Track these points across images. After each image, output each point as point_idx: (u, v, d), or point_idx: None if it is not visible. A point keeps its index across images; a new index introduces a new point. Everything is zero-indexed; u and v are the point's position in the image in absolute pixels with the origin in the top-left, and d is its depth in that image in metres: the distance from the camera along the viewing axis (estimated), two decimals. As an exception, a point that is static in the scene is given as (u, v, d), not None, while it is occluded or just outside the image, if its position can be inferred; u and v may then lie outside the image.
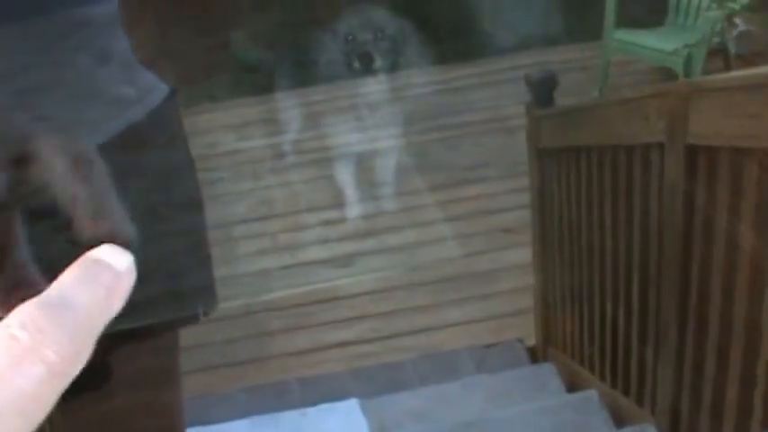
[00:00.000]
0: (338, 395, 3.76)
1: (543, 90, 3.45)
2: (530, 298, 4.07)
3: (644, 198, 2.56)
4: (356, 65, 2.48)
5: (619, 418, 3.09)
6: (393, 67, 3.03)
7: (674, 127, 2.28)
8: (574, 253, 3.32)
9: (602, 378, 3.23)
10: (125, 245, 0.48)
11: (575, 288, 3.39)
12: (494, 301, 4.51)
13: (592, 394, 3.26)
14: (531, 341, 4.15)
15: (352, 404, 3.64)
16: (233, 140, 5.62)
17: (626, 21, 5.75)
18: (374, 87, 3.80)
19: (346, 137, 4.75)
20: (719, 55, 5.49)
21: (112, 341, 1.25)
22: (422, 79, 4.57)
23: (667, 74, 5.54)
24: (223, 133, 5.60)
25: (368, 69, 2.60)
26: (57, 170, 0.52)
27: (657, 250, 2.50)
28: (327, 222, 4.98)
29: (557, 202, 3.44)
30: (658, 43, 5.54)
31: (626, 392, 3.01)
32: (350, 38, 2.54)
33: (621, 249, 2.79)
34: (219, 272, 1.45)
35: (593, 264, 3.12)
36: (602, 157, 2.86)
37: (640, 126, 2.50)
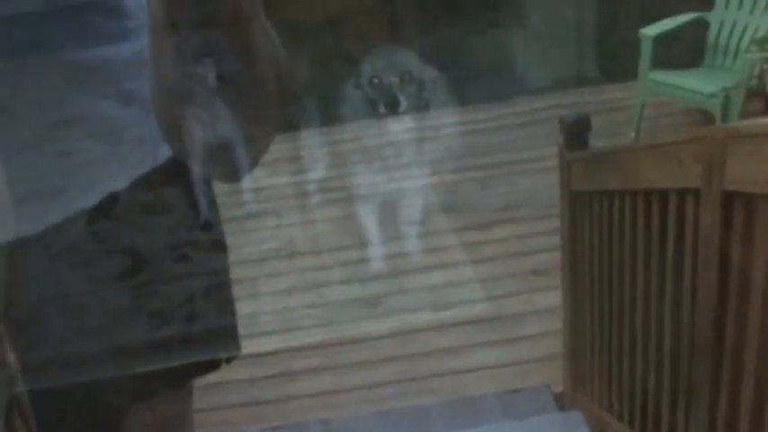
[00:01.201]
0: (361, 438, 3.72)
1: (576, 133, 3.41)
2: (558, 343, 4.00)
3: (678, 244, 2.50)
4: (382, 109, 2.44)
5: (647, 471, 3.02)
6: (421, 109, 2.99)
7: (710, 172, 2.22)
8: (604, 299, 3.26)
9: (632, 428, 3.16)
10: None
11: (604, 334, 3.33)
12: (521, 344, 4.45)
13: (620, 445, 3.19)
14: (559, 387, 4.07)
15: (375, 448, 3.60)
16: (260, 177, 5.59)
17: (661, 60, 5.70)
18: (404, 126, 3.76)
19: (376, 176, 4.72)
20: (759, 97, 5.41)
21: (138, 394, 1.22)
22: (453, 119, 4.54)
23: (704, 116, 5.48)
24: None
25: (394, 113, 2.56)
26: None
27: (691, 300, 2.44)
28: (354, 262, 4.95)
29: (588, 246, 3.38)
30: (696, 85, 5.48)
31: (656, 445, 2.94)
32: (375, 81, 2.49)
33: (653, 297, 2.73)
34: (243, 310, 1.41)
35: (623, 310, 3.06)
36: (634, 202, 2.81)
37: (675, 171, 2.44)
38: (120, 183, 1.25)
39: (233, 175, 1.04)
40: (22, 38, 1.14)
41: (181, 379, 1.41)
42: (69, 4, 1.16)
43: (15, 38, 1.14)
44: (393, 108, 2.65)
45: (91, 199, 1.23)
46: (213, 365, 1.43)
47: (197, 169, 1.08)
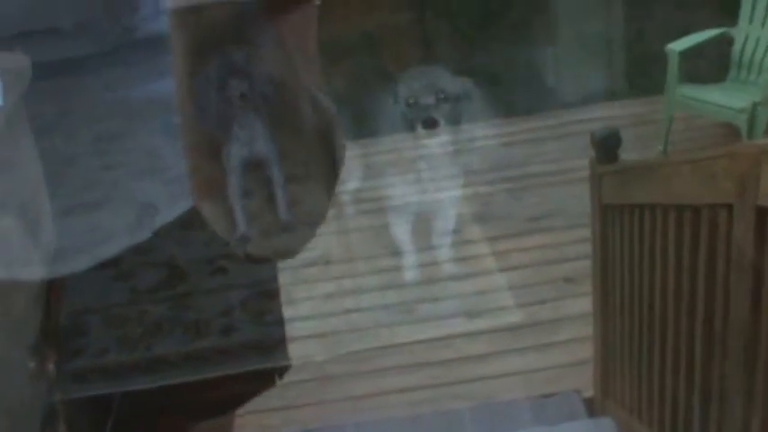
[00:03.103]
0: (395, 442, 3.68)
1: (607, 148, 3.34)
2: (589, 349, 3.92)
3: (710, 259, 2.42)
4: (419, 130, 2.36)
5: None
6: (454, 122, 2.91)
7: (743, 188, 2.14)
8: (635, 308, 3.19)
9: (662, 437, 3.07)
10: None
11: (635, 343, 3.26)
12: (553, 350, 4.37)
13: (650, 453, 3.11)
14: (589, 392, 3.98)
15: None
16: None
17: (687, 75, 5.59)
18: (437, 140, 3.69)
19: (410, 187, 4.66)
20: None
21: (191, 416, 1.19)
22: (486, 132, 4.46)
23: (730, 130, 5.37)
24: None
25: (431, 133, 2.49)
26: None
27: (723, 315, 2.35)
28: (389, 270, 4.88)
29: (619, 257, 3.31)
30: (724, 100, 5.37)
31: (686, 454, 2.84)
32: (411, 101, 2.41)
33: (684, 310, 2.64)
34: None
35: (654, 321, 2.98)
36: (666, 216, 2.72)
37: (707, 186, 2.36)
38: (159, 197, 1.20)
39: (288, 249, 0.98)
40: (72, 81, 1.13)
41: (234, 402, 1.37)
42: (119, 45, 1.14)
43: (65, 80, 1.12)
44: (430, 127, 2.56)
45: (131, 211, 1.18)
46: (269, 383, 1.39)
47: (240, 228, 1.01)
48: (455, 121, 2.77)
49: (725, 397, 2.41)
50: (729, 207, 2.24)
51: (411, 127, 2.76)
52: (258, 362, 1.31)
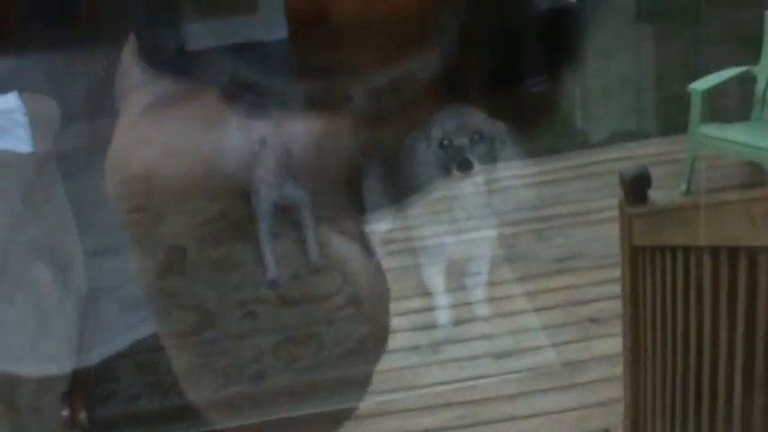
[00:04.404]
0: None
1: (637, 189, 3.26)
2: (617, 389, 3.83)
3: (750, 303, 2.34)
4: (455, 172, 2.29)
5: None
6: (488, 163, 2.85)
7: (785, 232, 2.07)
8: (668, 351, 3.11)
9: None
10: None
11: (668, 385, 3.18)
12: (580, 390, 4.30)
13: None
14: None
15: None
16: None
17: (710, 113, 5.53)
18: (464, 180, 3.67)
19: (435, 227, 4.63)
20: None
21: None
22: (513, 172, 4.43)
23: (755, 169, 5.30)
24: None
25: (467, 175, 2.41)
26: None
27: (764, 361, 2.27)
28: (415, 310, 4.83)
29: (651, 299, 3.23)
30: (749, 139, 5.29)
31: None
32: (446, 143, 2.35)
33: (723, 355, 2.56)
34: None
35: (689, 364, 2.89)
36: (701, 259, 2.64)
37: (746, 229, 2.29)
38: (189, 238, 1.15)
39: None
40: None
41: None
42: (94, 146, 1.10)
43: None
44: (466, 170, 2.50)
45: (160, 253, 1.14)
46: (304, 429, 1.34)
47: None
48: (491, 162, 2.70)
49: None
50: (770, 250, 2.18)
51: (445, 169, 2.69)
52: (291, 409, 1.26)
